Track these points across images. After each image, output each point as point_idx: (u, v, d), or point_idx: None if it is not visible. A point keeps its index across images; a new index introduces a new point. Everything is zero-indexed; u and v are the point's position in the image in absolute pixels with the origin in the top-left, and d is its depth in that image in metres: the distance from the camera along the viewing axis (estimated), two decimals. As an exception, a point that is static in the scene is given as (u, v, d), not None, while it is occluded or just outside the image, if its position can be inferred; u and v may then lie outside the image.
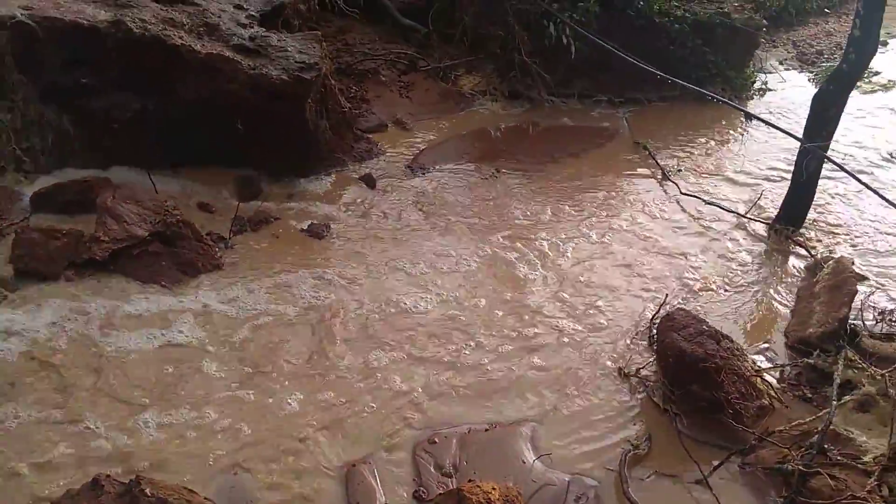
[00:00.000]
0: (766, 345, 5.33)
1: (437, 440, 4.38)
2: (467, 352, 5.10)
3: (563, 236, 6.43)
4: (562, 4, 8.55)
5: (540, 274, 5.94)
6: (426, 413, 4.57)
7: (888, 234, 6.64)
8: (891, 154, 8.12)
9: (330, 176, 7.03)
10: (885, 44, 11.31)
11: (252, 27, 6.96)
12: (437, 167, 7.36)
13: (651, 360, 5.03)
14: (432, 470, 4.18)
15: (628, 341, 5.29)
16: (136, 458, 4.08)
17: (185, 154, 6.66)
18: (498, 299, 5.63)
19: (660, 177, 7.54)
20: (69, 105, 6.29)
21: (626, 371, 4.98)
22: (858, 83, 9.08)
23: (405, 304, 5.50)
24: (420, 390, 4.73)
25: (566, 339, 5.27)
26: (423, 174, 7.23)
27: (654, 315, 5.42)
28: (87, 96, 6.32)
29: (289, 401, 4.57)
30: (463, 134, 8.09)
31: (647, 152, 7.94)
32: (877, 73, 10.26)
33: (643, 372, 4.96)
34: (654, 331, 5.19)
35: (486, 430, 4.50)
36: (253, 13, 7.20)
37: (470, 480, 4.01)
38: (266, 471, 4.10)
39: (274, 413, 4.48)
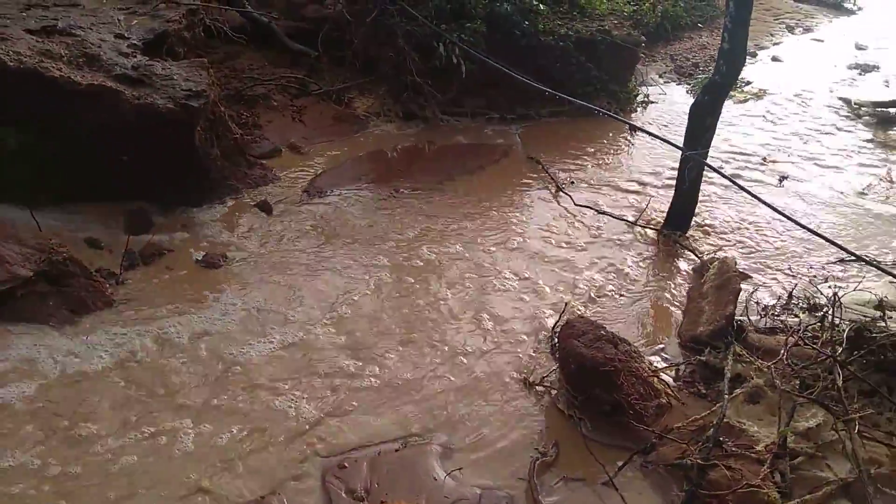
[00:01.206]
0: (662, 345, 5.55)
1: (346, 464, 4.33)
2: (371, 373, 5.07)
3: (463, 252, 6.51)
4: (450, 25, 8.70)
5: (442, 291, 5.98)
6: (334, 437, 4.52)
7: (767, 233, 7.04)
8: (764, 158, 8.63)
9: (224, 204, 6.88)
10: (754, 55, 12.04)
11: (135, 56, 6.77)
12: (335, 190, 7.32)
13: (554, 368, 5.14)
14: (343, 495, 4.13)
15: (531, 351, 5.39)
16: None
17: (70, 189, 6.37)
18: (401, 318, 5.64)
19: (553, 190, 7.74)
20: (-60, 143, 5.96)
21: (530, 381, 5.07)
22: (732, 93, 9.65)
23: (306, 330, 5.43)
24: (326, 415, 4.68)
25: (470, 354, 5.32)
26: (321, 198, 7.18)
27: (555, 324, 5.54)
28: (-40, 133, 6.00)
29: (186, 440, 4.43)
30: (359, 156, 8.08)
31: (541, 166, 8.15)
32: (748, 83, 10.89)
33: (547, 380, 5.07)
34: (556, 339, 5.31)
35: (397, 450, 4.49)
36: (135, 42, 7.00)
37: (382, 502, 4.00)
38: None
39: (172, 454, 4.34)
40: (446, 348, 5.37)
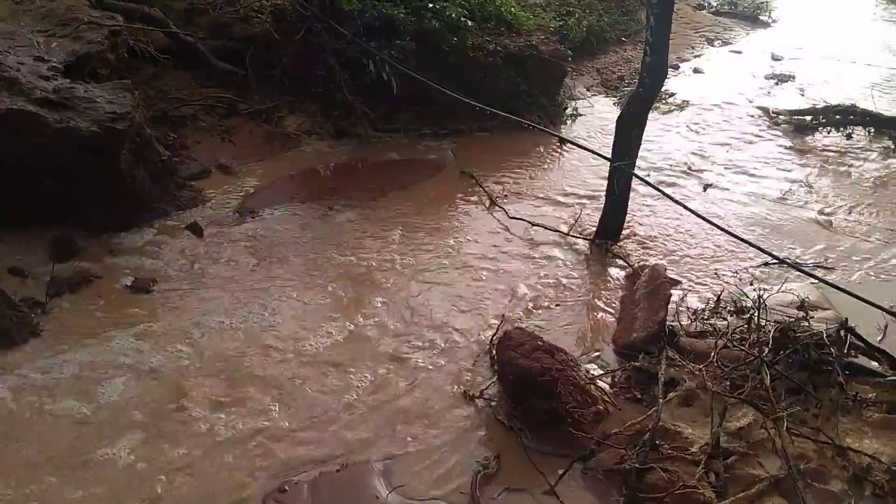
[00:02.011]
0: (597, 353, 5.64)
1: (287, 488, 4.27)
2: (312, 393, 5.02)
3: (400, 268, 6.50)
4: (380, 42, 8.72)
5: (380, 307, 5.96)
6: (274, 462, 4.45)
7: (695, 239, 7.23)
8: (689, 167, 8.89)
9: (153, 228, 6.72)
10: (676, 68, 12.41)
11: (55, 79, 6.59)
12: (267, 210, 7.24)
13: (493, 379, 5.18)
14: (285, 519, 4.08)
15: (471, 365, 5.41)
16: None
17: (-10, 216, 6.18)
18: (339, 337, 5.59)
19: (488, 203, 7.81)
20: None
21: (470, 394, 5.09)
22: (656, 104, 9.94)
23: (242, 355, 5.34)
24: (266, 439, 4.60)
25: (410, 370, 5.31)
26: (253, 218, 7.08)
27: (493, 336, 5.58)
28: None
29: (134, 464, 4.31)
30: (291, 174, 8.00)
31: (474, 180, 8.21)
32: (672, 95, 11.20)
33: (487, 393, 5.10)
34: (494, 351, 5.35)
35: (338, 470, 4.44)
36: (56, 65, 6.82)
37: (324, 524, 3.96)
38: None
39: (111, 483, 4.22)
40: (386, 364, 5.35)
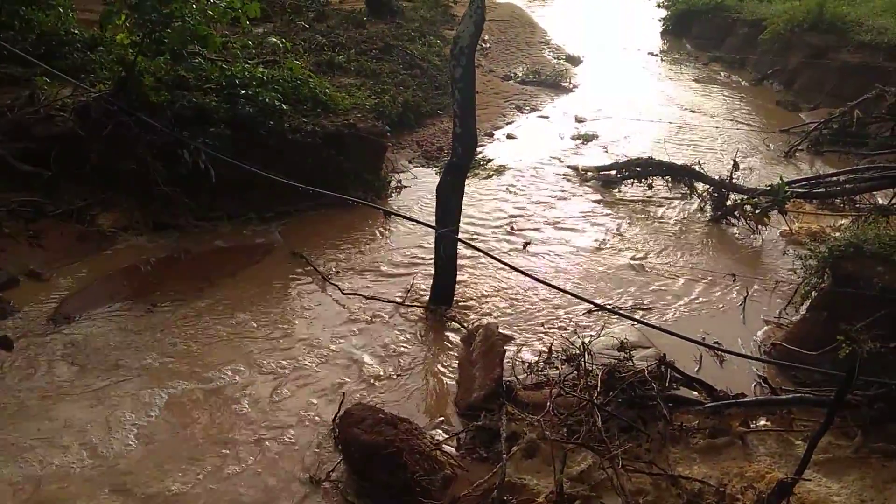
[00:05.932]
0: (441, 418, 5.71)
1: None
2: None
3: (232, 359, 6.29)
4: (192, 131, 8.57)
5: (215, 402, 5.74)
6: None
7: (523, 296, 7.53)
8: (511, 227, 9.30)
9: (-47, 347, 6.16)
10: (491, 135, 13.05)
11: None
12: (85, 314, 6.79)
13: (339, 460, 5.08)
14: None
15: (315, 448, 5.30)
16: None
17: None
18: (175, 439, 5.32)
19: (321, 282, 7.77)
20: None
21: (316, 478, 4.97)
22: (476, 171, 10.40)
23: (67, 468, 4.96)
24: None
25: (253, 462, 5.13)
26: (70, 324, 6.63)
27: (336, 416, 5.49)
28: None
29: None
30: (109, 274, 7.57)
31: (305, 260, 8.15)
32: (490, 161, 11.72)
33: (334, 473, 5.00)
34: (337, 430, 5.26)
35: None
36: None
37: None
38: None
39: None
40: (227, 461, 5.13)
